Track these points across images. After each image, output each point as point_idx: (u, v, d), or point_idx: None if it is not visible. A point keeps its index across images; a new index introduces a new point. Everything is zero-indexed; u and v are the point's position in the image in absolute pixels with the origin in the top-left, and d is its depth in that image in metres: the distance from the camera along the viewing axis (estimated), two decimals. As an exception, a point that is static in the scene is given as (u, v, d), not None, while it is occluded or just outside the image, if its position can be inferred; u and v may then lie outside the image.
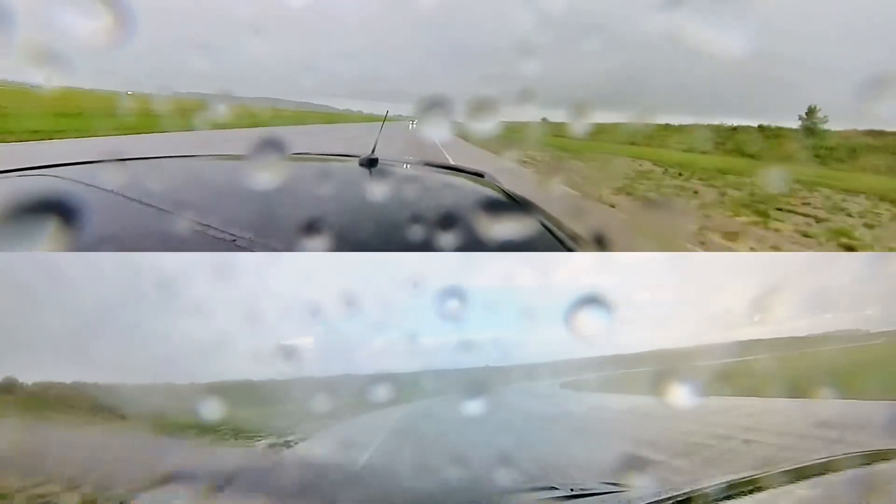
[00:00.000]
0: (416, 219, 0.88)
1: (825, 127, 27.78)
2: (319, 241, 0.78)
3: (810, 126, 28.24)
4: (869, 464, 0.88)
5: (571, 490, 0.95)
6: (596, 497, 0.92)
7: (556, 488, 0.96)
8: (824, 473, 0.84)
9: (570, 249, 1.06)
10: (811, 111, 28.32)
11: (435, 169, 1.73)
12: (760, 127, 30.13)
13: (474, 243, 0.84)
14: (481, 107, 1.27)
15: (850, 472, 0.84)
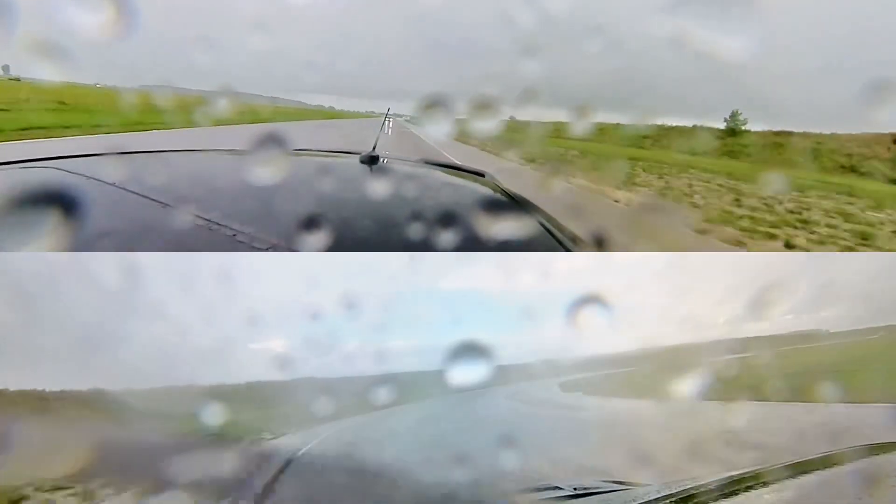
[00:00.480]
0: (415, 217, 0.89)
1: (745, 128, 33.70)
2: (320, 237, 0.78)
3: (732, 126, 33.68)
4: (871, 457, 0.88)
5: (574, 489, 0.95)
6: (599, 495, 0.93)
7: (560, 487, 0.96)
8: (826, 467, 0.84)
9: (568, 250, 1.06)
10: (734, 115, 34.03)
11: (435, 167, 1.73)
12: (695, 126, 36.07)
13: (473, 243, 0.84)
14: (451, 106, 1.29)
15: (852, 466, 0.84)
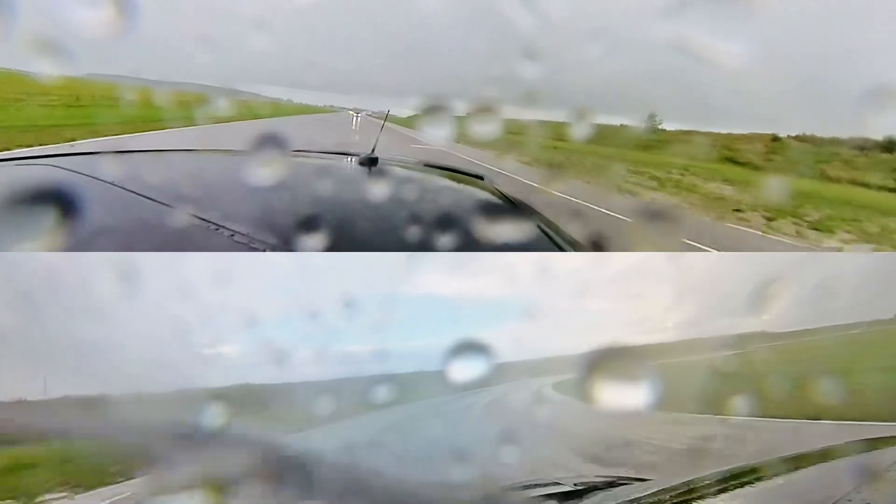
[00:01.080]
0: (414, 219, 0.89)
1: (661, 127, 39.21)
2: (319, 237, 0.78)
3: (650, 125, 38.62)
4: (870, 451, 0.89)
5: (575, 485, 0.95)
6: (599, 491, 0.93)
7: (560, 483, 0.96)
8: (825, 461, 0.85)
9: (566, 252, 1.06)
10: (651, 116, 39.36)
11: (434, 170, 1.74)
12: (622, 125, 38.46)
13: (471, 244, 0.85)
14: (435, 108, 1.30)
15: (851, 459, 0.84)
